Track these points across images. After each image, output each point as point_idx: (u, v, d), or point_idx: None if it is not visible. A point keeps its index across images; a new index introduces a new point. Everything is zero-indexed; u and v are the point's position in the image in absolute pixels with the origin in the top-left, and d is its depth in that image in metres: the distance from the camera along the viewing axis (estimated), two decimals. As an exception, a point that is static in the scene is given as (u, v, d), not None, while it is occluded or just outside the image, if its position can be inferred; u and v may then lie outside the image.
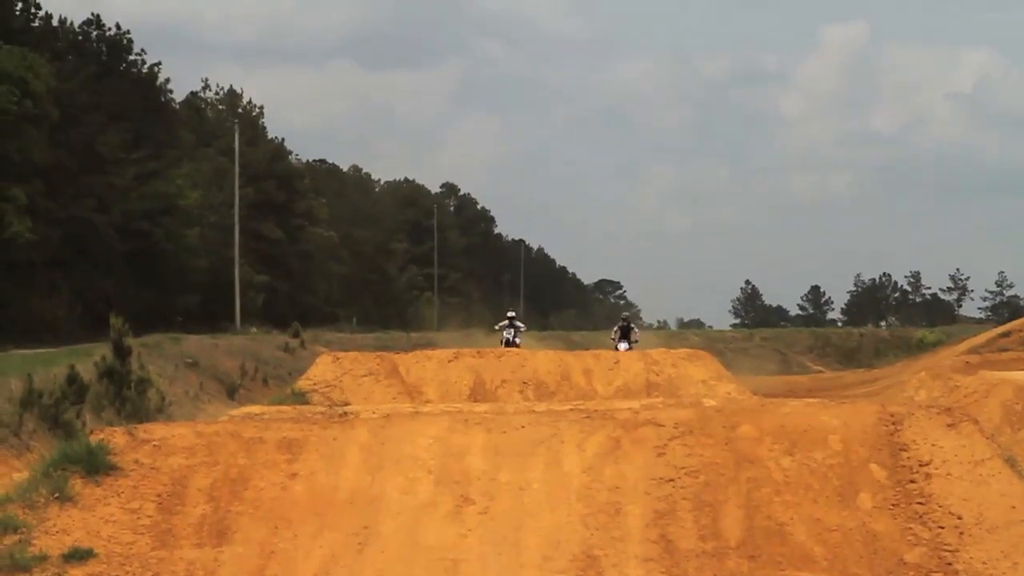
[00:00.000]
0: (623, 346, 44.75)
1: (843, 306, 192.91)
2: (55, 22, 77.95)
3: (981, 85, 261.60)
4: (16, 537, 13.89)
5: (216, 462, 15.28)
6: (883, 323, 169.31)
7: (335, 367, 37.65)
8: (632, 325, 47.98)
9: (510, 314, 48.72)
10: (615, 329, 46.87)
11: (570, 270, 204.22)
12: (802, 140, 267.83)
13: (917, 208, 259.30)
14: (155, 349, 44.09)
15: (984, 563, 13.50)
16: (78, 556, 13.68)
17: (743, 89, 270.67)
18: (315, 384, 36.59)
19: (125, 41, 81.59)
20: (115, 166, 74.56)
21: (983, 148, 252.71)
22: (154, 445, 15.50)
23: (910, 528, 13.94)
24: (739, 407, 16.77)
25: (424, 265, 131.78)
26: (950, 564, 13.51)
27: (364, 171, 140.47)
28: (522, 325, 48.80)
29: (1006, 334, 72.91)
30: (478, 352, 38.59)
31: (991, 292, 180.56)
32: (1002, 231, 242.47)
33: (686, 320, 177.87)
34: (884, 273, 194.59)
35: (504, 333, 46.85)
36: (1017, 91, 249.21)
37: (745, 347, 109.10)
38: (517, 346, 44.52)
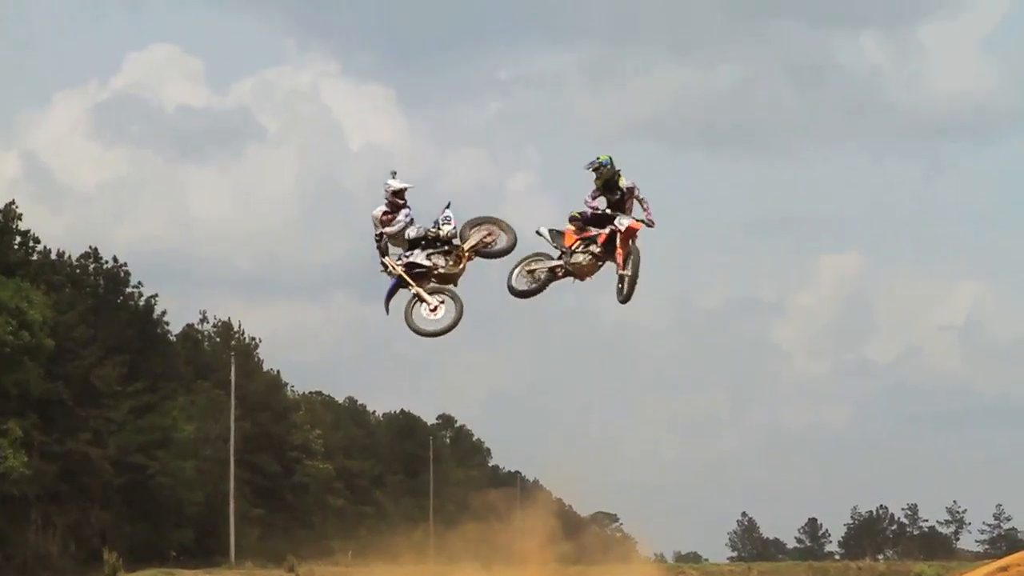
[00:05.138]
0: (624, 222, 23.17)
1: (840, 539, 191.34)
2: (53, 255, 78.82)
3: (973, 317, 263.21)
4: None
5: None
6: (880, 556, 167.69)
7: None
8: (621, 182, 23.24)
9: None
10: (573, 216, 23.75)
11: (566, 503, 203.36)
12: (798, 370, 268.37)
13: (914, 439, 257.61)
14: (148, 585, 43.80)
15: None
16: None
17: (739, 320, 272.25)
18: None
19: (122, 273, 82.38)
20: (111, 399, 74.73)
21: (977, 380, 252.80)
22: None
23: None
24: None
25: (420, 496, 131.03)
26: None
27: (360, 403, 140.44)
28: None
29: (1004, 568, 72.45)
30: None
31: (989, 525, 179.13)
32: (999, 463, 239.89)
33: (683, 552, 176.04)
34: (881, 505, 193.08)
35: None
36: (1008, 324, 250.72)
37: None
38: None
